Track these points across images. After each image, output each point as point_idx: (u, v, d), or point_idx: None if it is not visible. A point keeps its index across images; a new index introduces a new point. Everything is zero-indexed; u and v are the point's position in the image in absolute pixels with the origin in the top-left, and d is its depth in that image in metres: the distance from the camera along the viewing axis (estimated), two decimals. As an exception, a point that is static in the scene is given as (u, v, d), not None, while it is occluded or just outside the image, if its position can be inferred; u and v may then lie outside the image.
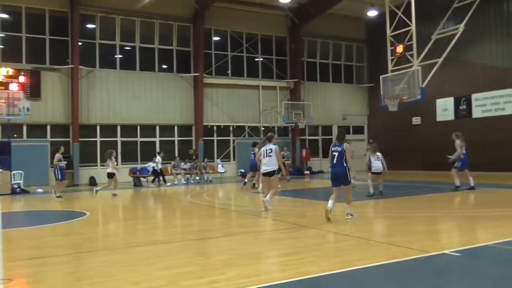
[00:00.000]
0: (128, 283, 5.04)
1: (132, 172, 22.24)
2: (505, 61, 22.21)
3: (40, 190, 18.96)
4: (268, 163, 10.43)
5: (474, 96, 23.54)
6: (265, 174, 10.58)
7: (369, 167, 13.68)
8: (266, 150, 10.52)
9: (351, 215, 8.98)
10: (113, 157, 16.12)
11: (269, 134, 11.08)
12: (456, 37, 19.91)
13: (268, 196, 10.55)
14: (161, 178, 21.32)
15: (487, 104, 22.94)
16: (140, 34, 24.18)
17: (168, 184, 21.08)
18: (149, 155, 23.52)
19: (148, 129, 24.51)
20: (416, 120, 26.45)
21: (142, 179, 22.23)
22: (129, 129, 23.95)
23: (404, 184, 16.94)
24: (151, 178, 21.86)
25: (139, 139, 24.15)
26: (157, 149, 24.22)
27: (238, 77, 26.68)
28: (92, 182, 22.37)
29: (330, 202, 8.79)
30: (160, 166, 21.05)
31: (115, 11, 23.37)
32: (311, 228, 8.21)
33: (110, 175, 16.23)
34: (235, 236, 7.86)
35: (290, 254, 6.27)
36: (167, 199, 15.57)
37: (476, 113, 23.45)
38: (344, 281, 4.95)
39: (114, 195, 15.84)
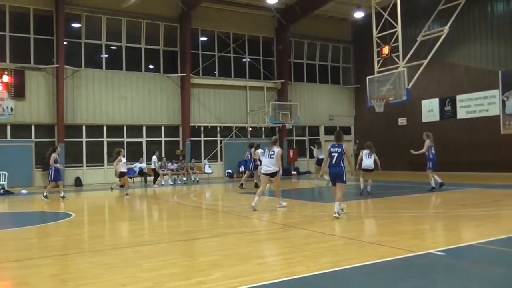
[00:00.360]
0: (114, 284, 5.01)
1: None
2: (489, 63, 22.55)
3: (25, 191, 18.73)
4: (269, 164, 10.91)
5: (458, 97, 23.85)
6: (266, 174, 11.04)
7: (359, 165, 13.85)
8: (270, 151, 11.01)
9: (339, 214, 9.09)
10: (120, 155, 16.06)
11: (274, 137, 11.88)
12: (441, 39, 20.14)
13: (278, 200, 11.22)
14: (147, 178, 21.26)
15: (472, 105, 23.27)
16: (126, 34, 24.01)
17: (156, 186, 21.01)
18: (135, 155, 23.41)
19: (135, 130, 24.35)
20: (402, 121, 26.71)
21: (128, 179, 22.04)
22: (115, 130, 23.77)
23: (391, 184, 17.09)
24: (138, 178, 21.79)
25: (125, 139, 23.96)
26: (144, 150, 24.16)
27: (225, 78, 26.66)
28: (78, 183, 22.17)
29: (336, 204, 9.20)
30: (157, 165, 21.18)
31: (100, 10, 23.18)
32: (298, 228, 8.24)
33: (122, 174, 16.33)
34: (222, 237, 7.85)
35: (277, 254, 6.29)
36: (154, 200, 15.49)
37: (461, 114, 23.77)
38: (332, 281, 4.98)
39: (111, 189, 16.33)
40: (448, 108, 24.40)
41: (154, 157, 21.29)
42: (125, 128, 24.00)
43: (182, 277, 5.23)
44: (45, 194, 15.01)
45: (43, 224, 10.31)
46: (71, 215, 11.14)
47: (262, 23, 27.57)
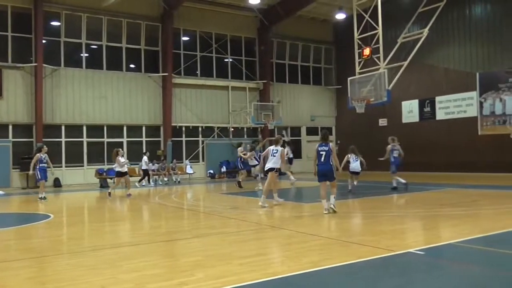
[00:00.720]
0: (93, 286, 4.95)
1: (98, 173, 21.82)
2: (467, 65, 22.96)
3: (1, 192, 18.35)
4: (271, 161, 11.56)
5: (437, 98, 24.23)
6: (267, 171, 11.70)
7: (343, 166, 14.25)
8: (272, 150, 11.69)
9: (334, 206, 9.84)
10: (118, 156, 15.74)
11: (277, 136, 12.34)
12: (421, 41, 20.46)
13: (262, 199, 11.44)
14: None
15: (450, 106, 23.66)
16: (107, 33, 23.74)
17: (134, 185, 20.84)
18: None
19: (115, 130, 24.08)
20: (382, 122, 26.99)
21: (108, 180, 21.84)
22: (95, 129, 23.48)
23: (372, 185, 17.25)
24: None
25: (105, 139, 23.69)
26: (124, 150, 23.83)
27: (207, 78, 26.58)
28: (57, 183, 21.81)
29: (323, 201, 9.88)
30: (147, 166, 21.15)
31: (80, 8, 22.87)
32: (280, 229, 8.26)
33: (118, 174, 16.00)
34: (204, 238, 7.82)
35: (259, 254, 6.29)
36: (135, 201, 15.31)
37: (440, 115, 24.15)
38: (313, 281, 5.00)
39: (129, 195, 15.63)
40: (427, 109, 24.77)
41: (145, 158, 21.24)
42: (105, 128, 23.72)
43: (164, 278, 5.19)
44: (42, 195, 14.65)
45: (21, 225, 10.12)
46: (49, 216, 10.96)
47: (244, 24, 27.57)
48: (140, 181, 21.15)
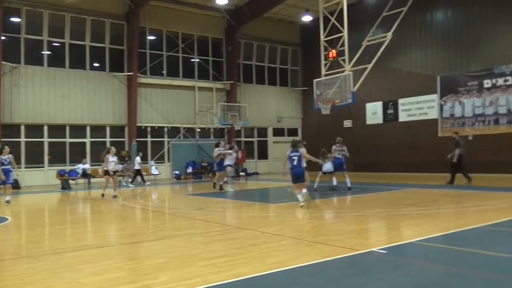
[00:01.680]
0: (54, 291, 4.81)
1: (60, 174, 21.25)
2: (429, 69, 23.62)
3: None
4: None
5: (400, 101, 24.83)
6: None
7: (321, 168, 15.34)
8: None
9: (303, 202, 10.66)
10: (109, 154, 15.03)
11: (294, 140, 12.15)
12: (385, 45, 20.85)
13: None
14: (90, 179, 20.66)
15: (412, 108, 24.28)
16: (70, 30, 23.15)
17: (132, 184, 20.98)
18: (78, 156, 22.63)
19: (78, 130, 23.51)
20: (347, 123, 27.41)
21: (71, 181, 21.33)
22: (57, 129, 22.84)
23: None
24: (81, 180, 21.06)
25: (68, 139, 23.10)
26: (87, 151, 23.36)
27: (173, 78, 26.32)
28: (15, 185, 21.03)
29: (299, 196, 10.84)
30: (140, 166, 21.13)
31: (42, 4, 22.21)
32: (245, 229, 8.26)
33: (106, 173, 15.26)
34: (169, 239, 7.73)
35: (224, 256, 6.27)
36: (98, 202, 14.98)
37: (402, 117, 24.74)
38: (278, 281, 5.02)
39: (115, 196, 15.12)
40: (390, 111, 25.34)
41: (138, 158, 21.13)
42: (67, 128, 23.11)
43: (127, 281, 5.10)
44: (6, 199, 14.01)
45: (-23, 228, 9.73)
46: (7, 219, 10.59)
47: (212, 24, 27.46)
48: (132, 181, 21.22)
